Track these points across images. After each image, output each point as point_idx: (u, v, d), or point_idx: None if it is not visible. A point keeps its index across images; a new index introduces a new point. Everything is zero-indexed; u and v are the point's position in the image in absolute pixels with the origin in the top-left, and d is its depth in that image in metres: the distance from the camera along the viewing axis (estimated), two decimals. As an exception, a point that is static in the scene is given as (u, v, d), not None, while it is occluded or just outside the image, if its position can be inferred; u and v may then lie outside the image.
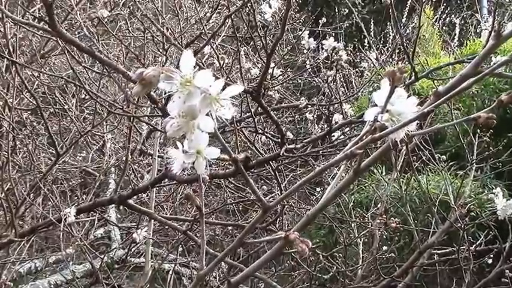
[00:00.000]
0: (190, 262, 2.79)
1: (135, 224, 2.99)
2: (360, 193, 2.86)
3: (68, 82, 2.34)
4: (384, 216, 2.01)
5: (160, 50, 1.85)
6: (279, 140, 1.76)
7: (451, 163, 3.07)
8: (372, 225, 2.14)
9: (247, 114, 2.07)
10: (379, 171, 2.85)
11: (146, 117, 2.03)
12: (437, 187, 2.82)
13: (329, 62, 1.89)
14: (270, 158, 1.73)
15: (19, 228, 2.06)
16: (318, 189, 2.81)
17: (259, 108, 1.79)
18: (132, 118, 1.91)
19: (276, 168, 1.93)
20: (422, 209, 2.65)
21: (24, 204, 2.00)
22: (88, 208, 2.09)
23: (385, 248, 2.55)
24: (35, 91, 2.60)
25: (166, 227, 2.74)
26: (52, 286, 2.53)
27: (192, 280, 3.01)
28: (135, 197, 2.95)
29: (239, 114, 1.99)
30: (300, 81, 3.37)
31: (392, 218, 1.94)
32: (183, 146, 0.83)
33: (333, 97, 1.96)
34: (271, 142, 2.58)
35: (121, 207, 3.11)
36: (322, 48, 3.21)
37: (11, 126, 2.19)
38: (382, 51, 3.41)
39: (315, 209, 0.80)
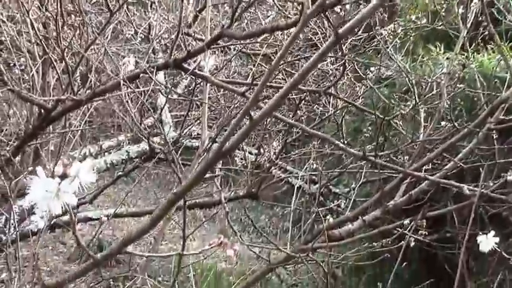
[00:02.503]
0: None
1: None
2: (416, 72, 2.74)
3: None
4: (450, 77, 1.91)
5: None
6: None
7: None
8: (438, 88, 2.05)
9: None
10: (437, 48, 2.72)
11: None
12: (498, 65, 2.70)
13: None
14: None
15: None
16: (373, 68, 2.71)
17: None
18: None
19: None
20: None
21: (81, 65, 1.97)
22: (140, 72, 2.04)
23: (443, 123, 2.48)
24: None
25: (218, 106, 2.71)
26: (108, 165, 2.55)
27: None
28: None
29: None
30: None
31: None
32: None
33: None
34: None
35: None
36: None
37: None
38: None
39: None
